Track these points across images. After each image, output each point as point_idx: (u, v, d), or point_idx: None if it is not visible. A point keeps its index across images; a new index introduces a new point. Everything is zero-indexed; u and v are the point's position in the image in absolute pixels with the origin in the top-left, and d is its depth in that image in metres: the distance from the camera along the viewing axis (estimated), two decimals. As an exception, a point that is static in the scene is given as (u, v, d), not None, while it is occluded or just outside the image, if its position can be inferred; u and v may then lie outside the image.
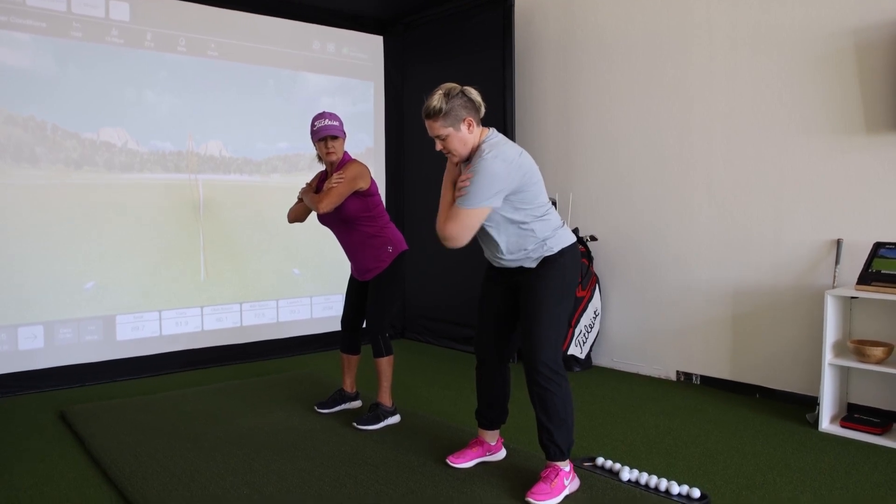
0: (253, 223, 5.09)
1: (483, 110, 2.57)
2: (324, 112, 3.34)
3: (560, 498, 2.52)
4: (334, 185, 3.24)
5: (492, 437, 2.92)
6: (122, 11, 4.48)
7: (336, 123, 3.32)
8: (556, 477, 2.54)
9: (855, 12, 3.56)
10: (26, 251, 4.17)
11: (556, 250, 2.58)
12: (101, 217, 4.43)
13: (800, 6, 3.76)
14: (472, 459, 2.86)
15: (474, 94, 2.54)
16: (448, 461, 2.85)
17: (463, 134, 2.51)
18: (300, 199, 3.44)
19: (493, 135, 2.57)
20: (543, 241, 2.57)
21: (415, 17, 5.63)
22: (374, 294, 3.43)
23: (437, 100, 2.48)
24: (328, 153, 3.31)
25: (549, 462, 2.59)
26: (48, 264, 4.24)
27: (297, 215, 3.51)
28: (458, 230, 2.45)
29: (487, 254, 2.72)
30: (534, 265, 2.59)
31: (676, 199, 4.36)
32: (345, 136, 3.36)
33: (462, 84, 2.57)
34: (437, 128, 2.50)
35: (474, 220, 2.45)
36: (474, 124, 2.52)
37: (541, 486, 2.52)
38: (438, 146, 2.56)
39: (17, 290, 4.15)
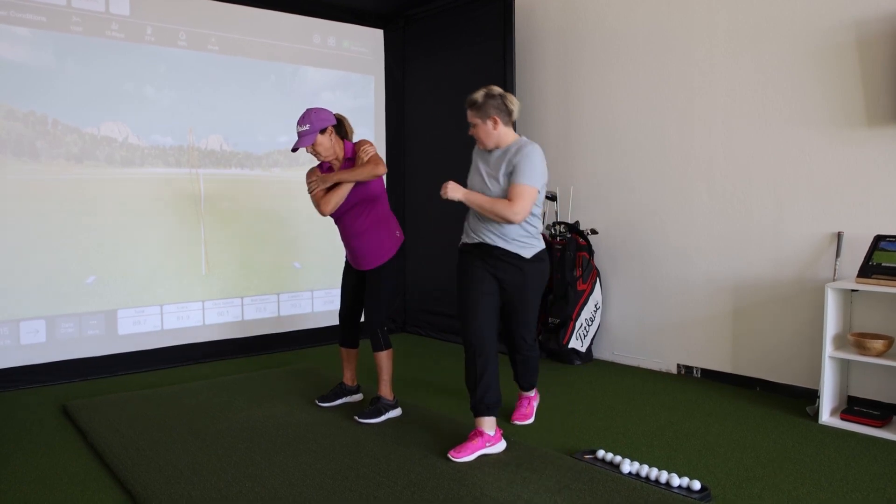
0: (254, 217, 5.09)
1: (515, 115, 3.04)
2: (299, 118, 3.30)
3: (534, 415, 3.48)
4: (371, 153, 3.31)
5: (490, 426, 2.97)
6: (122, 6, 4.47)
7: (306, 128, 3.26)
8: (529, 402, 3.50)
9: (856, 5, 3.55)
10: (27, 246, 4.18)
11: (542, 248, 3.12)
12: (101, 212, 4.44)
13: (801, -1, 3.76)
14: (473, 452, 2.90)
15: (511, 101, 3.02)
16: (449, 456, 2.87)
17: (488, 128, 2.99)
18: (324, 190, 3.31)
19: (524, 138, 3.06)
20: (535, 236, 3.08)
21: (415, 10, 5.61)
22: (374, 287, 3.43)
23: (478, 95, 3.00)
24: (315, 155, 3.34)
25: (522, 392, 3.50)
26: (49, 259, 4.25)
27: (338, 200, 3.30)
28: (526, 205, 2.91)
29: (482, 233, 3.04)
30: (528, 255, 3.05)
31: (677, 192, 4.36)
32: (324, 129, 3.29)
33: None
34: (470, 116, 3.02)
35: (534, 197, 2.95)
36: (500, 123, 2.99)
37: (521, 412, 3.45)
38: (470, 131, 3.06)
39: (19, 284, 4.16)
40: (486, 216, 2.98)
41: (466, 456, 2.88)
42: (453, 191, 2.95)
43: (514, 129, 3.08)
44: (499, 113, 2.97)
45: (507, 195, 2.93)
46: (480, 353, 2.98)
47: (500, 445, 2.99)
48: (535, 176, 2.92)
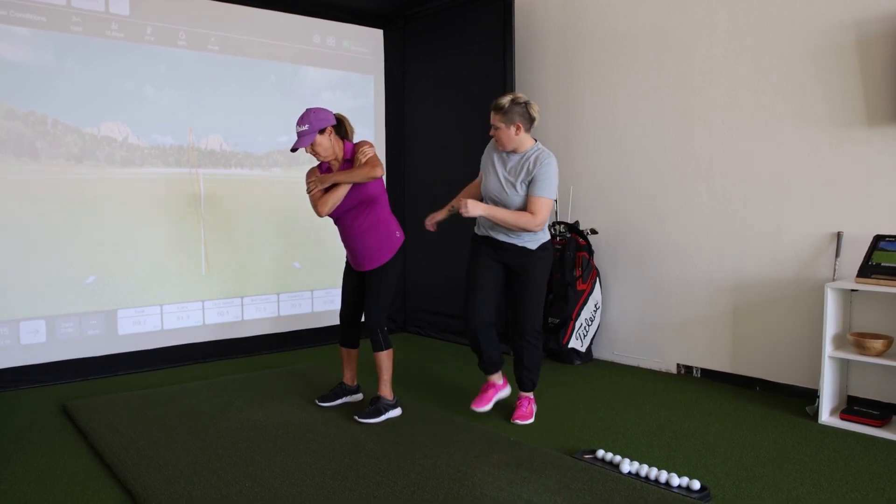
0: (254, 217, 5.10)
1: (537, 122, 3.23)
2: (298, 118, 3.29)
3: (533, 417, 3.45)
4: (370, 155, 3.30)
5: (497, 377, 3.51)
6: (122, 6, 4.47)
7: (305, 128, 3.25)
8: (528, 403, 3.48)
9: (856, 5, 3.56)
10: (28, 246, 4.18)
11: (547, 239, 3.36)
12: (102, 212, 4.44)
13: (801, -2, 3.76)
14: (490, 401, 3.44)
15: (535, 110, 3.21)
16: (472, 408, 3.40)
17: (510, 133, 3.19)
18: (322, 191, 3.30)
19: (540, 145, 3.26)
20: (542, 232, 3.31)
21: (415, 10, 5.61)
22: (374, 287, 3.43)
23: (504, 100, 3.17)
24: (315, 155, 3.33)
25: (522, 393, 3.49)
26: (49, 259, 4.25)
27: (335, 201, 3.29)
28: (546, 215, 3.19)
29: (493, 231, 3.30)
30: (534, 247, 3.29)
31: (677, 192, 4.36)
32: (323, 130, 3.28)
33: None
34: (494, 119, 3.20)
35: (551, 206, 3.22)
36: (522, 130, 3.19)
37: (521, 412, 3.43)
38: (491, 132, 3.24)
39: (19, 284, 4.16)
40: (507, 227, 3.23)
41: (486, 405, 3.41)
42: (474, 208, 3.13)
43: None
44: (522, 120, 3.18)
45: (525, 203, 3.17)
46: (480, 329, 3.36)
47: (507, 390, 3.55)
48: (552, 188, 3.19)
